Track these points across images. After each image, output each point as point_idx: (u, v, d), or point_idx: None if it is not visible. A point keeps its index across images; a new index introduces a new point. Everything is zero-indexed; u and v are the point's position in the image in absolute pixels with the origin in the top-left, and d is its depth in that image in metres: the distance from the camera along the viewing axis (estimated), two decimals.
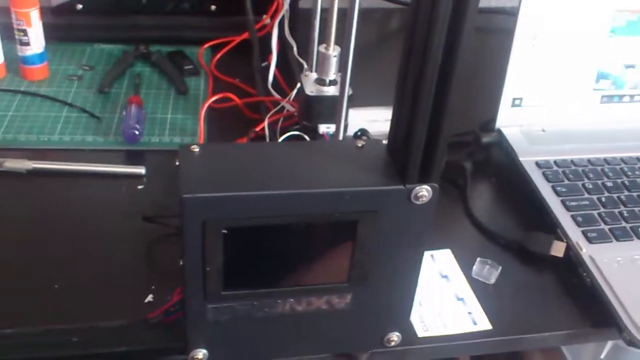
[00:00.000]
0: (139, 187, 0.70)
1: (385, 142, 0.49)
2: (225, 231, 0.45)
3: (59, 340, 0.53)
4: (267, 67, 0.85)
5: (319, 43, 0.73)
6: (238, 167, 0.46)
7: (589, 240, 0.66)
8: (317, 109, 0.73)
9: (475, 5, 0.40)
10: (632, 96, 0.83)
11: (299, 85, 0.76)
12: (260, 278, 0.48)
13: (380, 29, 1.12)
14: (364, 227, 0.47)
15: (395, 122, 0.47)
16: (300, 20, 0.90)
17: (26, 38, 0.83)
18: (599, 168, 0.76)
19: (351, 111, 0.73)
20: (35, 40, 0.84)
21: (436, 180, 0.46)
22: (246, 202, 0.44)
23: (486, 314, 0.60)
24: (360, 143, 0.49)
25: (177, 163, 0.46)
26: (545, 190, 0.72)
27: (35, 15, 0.83)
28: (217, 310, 0.48)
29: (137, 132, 0.75)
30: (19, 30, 0.83)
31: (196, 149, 0.47)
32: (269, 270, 0.48)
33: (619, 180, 0.74)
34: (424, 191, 0.46)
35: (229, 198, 0.44)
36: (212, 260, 0.46)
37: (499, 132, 0.79)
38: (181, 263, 0.47)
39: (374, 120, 0.78)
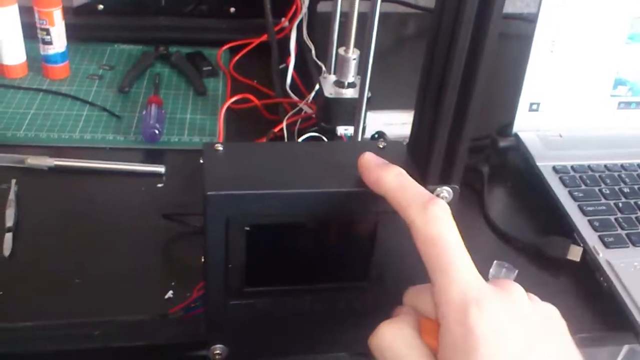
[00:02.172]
0: (159, 185, 0.71)
1: (405, 143, 0.50)
2: (248, 228, 0.45)
3: (80, 333, 0.53)
4: (285, 69, 0.86)
5: (338, 46, 0.74)
6: (261, 165, 0.47)
7: (606, 245, 0.66)
8: (335, 111, 0.74)
9: (500, 9, 0.41)
10: None
11: (317, 87, 0.77)
12: (281, 276, 0.49)
13: (396, 33, 1.13)
14: (384, 227, 0.47)
15: (417, 123, 0.47)
16: (318, 24, 0.91)
17: (49, 37, 0.84)
18: (615, 174, 0.76)
19: (368, 114, 0.73)
20: (58, 40, 0.85)
21: (457, 182, 0.47)
22: (269, 200, 0.44)
23: None
24: (381, 144, 0.49)
25: (202, 161, 0.46)
26: (562, 194, 0.72)
27: (58, 14, 0.84)
28: (238, 307, 0.49)
29: (157, 132, 0.76)
30: (41, 29, 0.84)
31: (220, 147, 0.47)
32: (289, 268, 0.48)
33: (635, 186, 0.74)
34: (445, 192, 0.46)
35: (253, 196, 0.44)
36: (235, 257, 0.46)
37: (516, 136, 0.79)
38: (202, 260, 0.47)
39: (390, 124, 0.78)
